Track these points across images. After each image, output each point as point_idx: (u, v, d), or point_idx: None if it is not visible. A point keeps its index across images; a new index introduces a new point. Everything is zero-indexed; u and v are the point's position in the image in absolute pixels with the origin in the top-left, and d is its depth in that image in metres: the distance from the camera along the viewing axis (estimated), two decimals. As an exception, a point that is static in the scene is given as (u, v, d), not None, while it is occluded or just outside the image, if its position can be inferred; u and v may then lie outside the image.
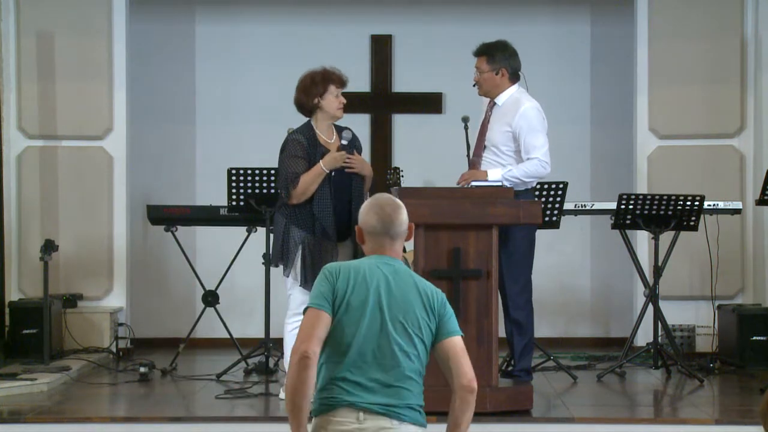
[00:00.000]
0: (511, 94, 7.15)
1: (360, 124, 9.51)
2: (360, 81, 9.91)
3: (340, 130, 7.16)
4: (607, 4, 10.10)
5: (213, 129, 10.12)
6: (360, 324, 4.07)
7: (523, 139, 7.02)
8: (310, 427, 4.10)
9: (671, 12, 9.32)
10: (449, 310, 4.17)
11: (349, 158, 6.98)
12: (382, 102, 10.11)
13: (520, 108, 7.04)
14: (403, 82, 10.11)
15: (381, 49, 10.17)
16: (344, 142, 7.01)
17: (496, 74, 7.13)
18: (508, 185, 6.90)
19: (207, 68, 10.17)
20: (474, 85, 7.25)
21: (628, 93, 9.61)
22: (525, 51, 10.06)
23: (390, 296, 4.11)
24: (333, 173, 6.94)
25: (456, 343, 4.15)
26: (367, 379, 4.05)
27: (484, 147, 7.12)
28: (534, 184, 7.20)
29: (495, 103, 7.17)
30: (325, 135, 7.07)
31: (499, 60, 7.13)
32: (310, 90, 7.02)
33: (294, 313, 6.93)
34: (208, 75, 10.17)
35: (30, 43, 9.22)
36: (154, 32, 10.04)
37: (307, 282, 6.89)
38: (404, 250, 8.99)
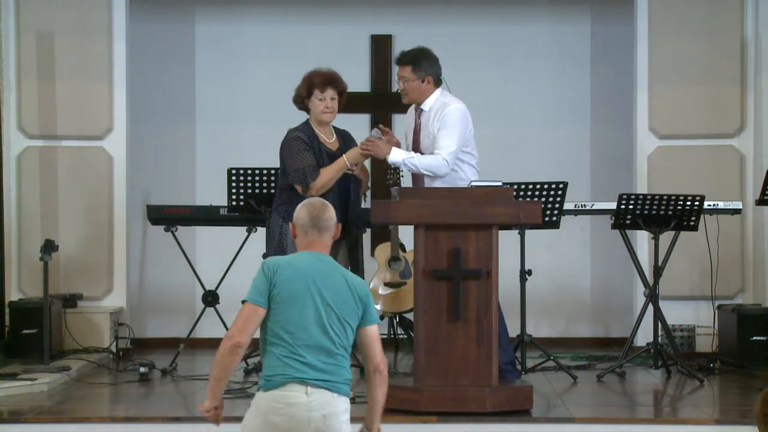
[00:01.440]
0: (436, 98, 7.22)
1: (360, 124, 9.52)
2: (360, 81, 9.92)
3: (339, 131, 7.18)
4: (607, 3, 10.10)
5: (213, 129, 10.12)
6: (301, 312, 4.60)
7: (436, 136, 7.07)
8: (254, 401, 4.64)
9: (671, 11, 9.32)
10: (371, 299, 4.76)
11: (371, 140, 7.03)
12: (382, 102, 10.11)
13: (444, 110, 7.12)
14: (403, 82, 10.11)
15: (381, 49, 10.18)
16: (375, 134, 7.10)
17: (422, 82, 7.21)
18: (405, 170, 7.10)
19: (207, 68, 10.17)
20: (397, 91, 7.33)
21: (628, 93, 9.61)
22: (525, 51, 10.18)
23: (325, 288, 4.64)
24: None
25: (373, 330, 4.74)
26: (310, 359, 4.58)
27: (421, 154, 7.15)
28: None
29: (422, 110, 7.22)
30: (323, 134, 7.09)
31: (425, 68, 7.21)
32: (299, 90, 7.08)
33: None
34: (208, 75, 10.18)
35: (30, 43, 9.23)
36: (154, 32, 10.04)
37: None
38: (404, 250, 9.08)
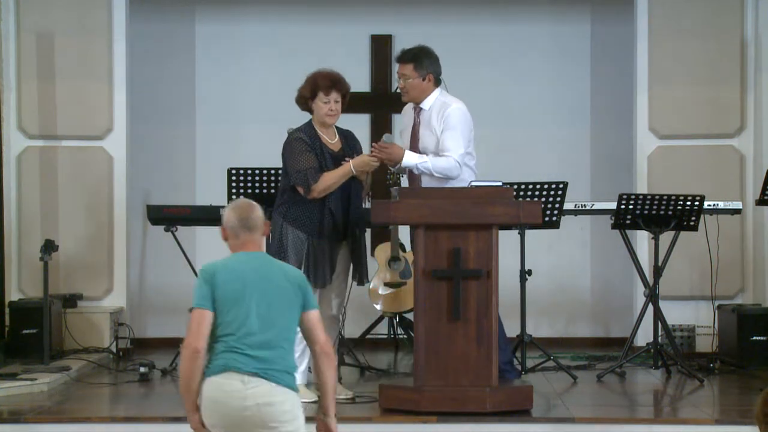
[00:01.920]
0: (436, 97, 7.20)
1: (360, 124, 9.51)
2: (360, 81, 9.91)
3: (342, 132, 7.15)
4: (608, 3, 10.10)
5: (213, 129, 10.12)
6: (241, 311, 4.75)
7: (441, 138, 7.06)
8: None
9: (671, 11, 9.32)
10: (309, 287, 4.95)
11: (385, 146, 7.00)
12: (382, 102, 10.10)
13: (446, 110, 7.10)
14: (403, 82, 10.10)
15: (381, 49, 10.18)
16: (387, 140, 7.08)
17: (423, 80, 7.18)
18: (417, 173, 7.04)
19: (207, 68, 10.17)
20: (396, 89, 7.30)
21: (628, 93, 9.61)
22: (525, 51, 10.18)
23: (263, 284, 4.82)
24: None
25: (313, 315, 4.90)
26: (251, 350, 4.72)
27: (419, 153, 7.14)
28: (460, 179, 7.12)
29: (422, 109, 7.20)
30: (325, 135, 7.07)
31: (426, 66, 7.19)
32: (302, 92, 7.03)
33: None
34: (208, 75, 10.17)
35: (30, 43, 9.23)
36: (154, 32, 10.04)
37: (315, 282, 6.89)
38: (404, 250, 9.07)
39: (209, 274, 4.84)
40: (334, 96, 6.99)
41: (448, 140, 7.03)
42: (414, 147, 7.19)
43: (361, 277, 7.13)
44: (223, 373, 4.71)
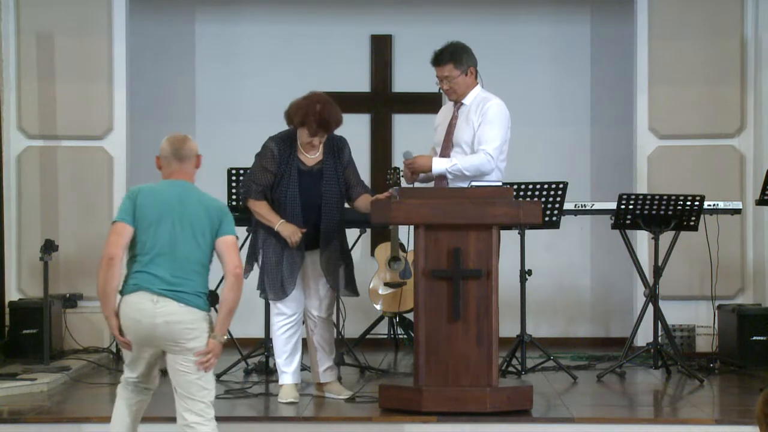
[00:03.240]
0: (477, 93, 7.18)
1: (360, 124, 9.53)
2: (360, 81, 9.92)
3: (331, 139, 6.98)
4: (607, 4, 10.10)
5: (213, 129, 10.12)
6: (157, 231, 5.20)
7: (478, 132, 7.03)
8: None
9: (671, 12, 9.33)
10: (227, 218, 5.31)
11: (408, 162, 7.01)
12: (382, 102, 10.10)
13: (485, 104, 7.08)
14: (403, 82, 10.11)
15: (381, 49, 10.18)
16: (407, 156, 7.05)
17: (466, 75, 7.16)
18: (451, 177, 6.98)
19: (207, 68, 10.18)
20: (439, 91, 7.24)
21: (628, 93, 9.62)
22: (525, 51, 10.19)
23: (180, 210, 5.21)
24: (304, 181, 6.89)
25: (227, 240, 5.29)
26: (162, 272, 5.18)
27: (452, 146, 7.12)
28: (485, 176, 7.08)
29: (462, 103, 7.18)
30: (306, 150, 6.94)
31: (465, 61, 7.17)
32: (291, 116, 6.86)
33: (275, 313, 6.98)
34: (208, 75, 10.18)
35: (30, 43, 9.23)
36: (154, 32, 10.04)
37: (263, 287, 6.92)
38: (404, 250, 9.07)
39: (133, 194, 5.27)
40: (319, 136, 6.84)
41: (485, 133, 7.00)
42: (448, 140, 7.14)
43: (331, 285, 7.02)
44: (135, 292, 5.19)
